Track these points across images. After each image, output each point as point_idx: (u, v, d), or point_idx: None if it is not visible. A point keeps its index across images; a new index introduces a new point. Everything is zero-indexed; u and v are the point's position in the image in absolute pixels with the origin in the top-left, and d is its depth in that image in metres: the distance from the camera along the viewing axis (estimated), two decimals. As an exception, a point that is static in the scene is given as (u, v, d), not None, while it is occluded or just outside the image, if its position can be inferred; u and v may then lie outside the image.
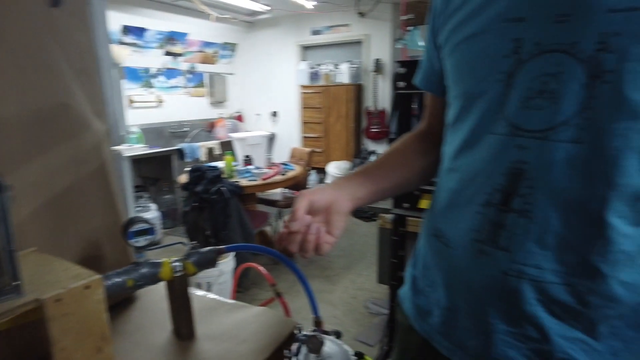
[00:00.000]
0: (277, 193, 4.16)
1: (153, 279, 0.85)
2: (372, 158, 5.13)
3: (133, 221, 0.83)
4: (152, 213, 3.89)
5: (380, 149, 5.33)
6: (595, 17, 0.45)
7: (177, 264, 0.87)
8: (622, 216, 0.47)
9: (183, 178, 2.97)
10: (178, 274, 0.87)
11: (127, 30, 4.49)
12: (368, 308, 2.83)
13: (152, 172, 4.69)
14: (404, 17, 2.12)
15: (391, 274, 2.11)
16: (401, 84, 1.78)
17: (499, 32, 0.53)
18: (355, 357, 1.33)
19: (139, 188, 4.62)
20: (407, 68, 1.80)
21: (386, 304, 2.42)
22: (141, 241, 0.84)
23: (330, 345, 1.33)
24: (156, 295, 1.04)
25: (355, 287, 3.16)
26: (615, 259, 0.48)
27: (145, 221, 0.84)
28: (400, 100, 1.87)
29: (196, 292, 1.07)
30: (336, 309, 2.84)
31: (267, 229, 3.63)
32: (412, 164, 0.80)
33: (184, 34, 5.14)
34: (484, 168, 0.57)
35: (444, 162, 0.70)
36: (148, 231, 0.84)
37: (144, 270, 0.85)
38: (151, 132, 4.90)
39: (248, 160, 3.42)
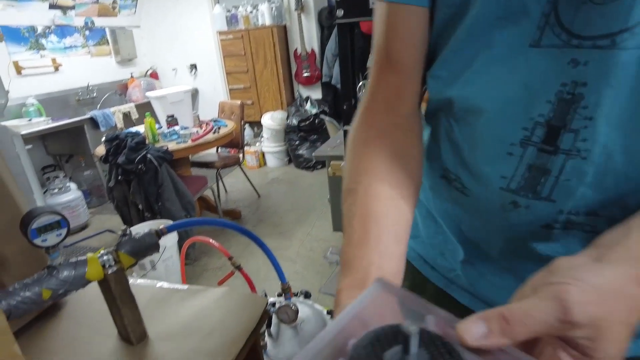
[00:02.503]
0: (211, 154, 3.88)
1: (78, 283, 0.66)
2: (307, 105, 4.91)
3: (33, 214, 0.62)
4: (72, 193, 3.46)
5: (315, 94, 5.11)
6: None
7: (106, 257, 0.69)
8: None
9: (100, 150, 2.61)
10: (112, 270, 0.68)
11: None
12: (327, 258, 2.79)
13: (64, 147, 4.15)
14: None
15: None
16: (340, 12, 1.57)
17: None
18: (329, 315, 1.25)
19: (50, 168, 4.09)
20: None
21: (344, 250, 2.37)
22: (50, 239, 0.63)
23: (302, 308, 1.23)
24: (89, 295, 0.85)
25: (311, 239, 3.09)
26: None
27: (52, 211, 0.64)
28: (341, 34, 1.65)
29: (139, 282, 0.89)
30: (296, 264, 2.77)
31: (207, 193, 3.39)
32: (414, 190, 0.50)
33: (69, -17, 4.39)
34: (519, 95, 0.43)
35: (442, 87, 0.53)
36: (59, 224, 0.64)
37: (64, 274, 0.65)
38: (53, 103, 4.27)
39: (172, 121, 3.09)
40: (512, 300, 0.30)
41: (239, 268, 1.13)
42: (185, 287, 0.86)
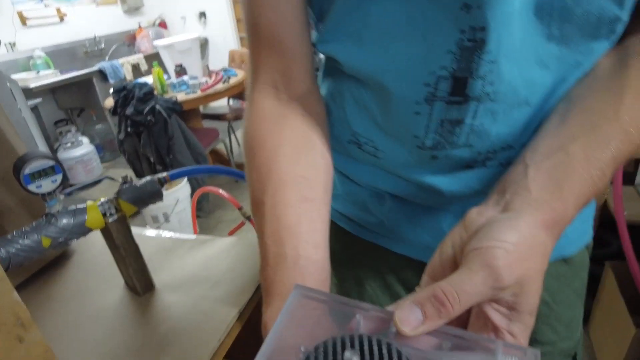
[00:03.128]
0: (222, 106, 3.80)
1: (79, 232, 0.64)
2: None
3: (25, 159, 0.58)
4: (85, 147, 3.46)
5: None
6: None
7: (107, 205, 0.65)
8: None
9: (110, 102, 2.56)
10: (112, 219, 0.65)
11: None
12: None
13: (74, 101, 4.11)
14: None
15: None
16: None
17: None
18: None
19: (63, 122, 4.08)
20: None
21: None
22: (45, 185, 0.60)
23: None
24: (95, 245, 0.83)
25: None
26: None
27: (45, 156, 0.60)
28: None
29: (147, 232, 0.87)
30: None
31: (220, 147, 3.35)
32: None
33: None
34: (419, 49, 0.39)
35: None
36: (53, 170, 0.60)
37: (63, 222, 0.62)
38: (60, 55, 4.19)
39: (180, 70, 2.99)
40: (433, 259, 0.31)
41: (249, 219, 1.11)
42: (194, 237, 0.83)
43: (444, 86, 0.40)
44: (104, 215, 0.64)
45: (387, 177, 0.50)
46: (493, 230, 0.27)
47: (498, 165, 0.44)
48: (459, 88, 0.39)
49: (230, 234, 1.40)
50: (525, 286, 0.25)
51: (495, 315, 0.26)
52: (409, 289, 0.59)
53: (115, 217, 0.65)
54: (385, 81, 0.42)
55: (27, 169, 0.58)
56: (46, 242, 0.60)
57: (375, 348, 0.23)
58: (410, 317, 0.24)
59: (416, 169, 0.47)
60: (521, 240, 0.26)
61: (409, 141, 0.44)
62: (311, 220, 0.40)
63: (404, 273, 0.59)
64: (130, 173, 2.41)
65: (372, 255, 0.59)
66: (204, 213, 2.74)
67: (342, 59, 0.45)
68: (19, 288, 0.73)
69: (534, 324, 0.27)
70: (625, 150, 0.32)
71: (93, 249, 0.82)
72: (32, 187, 0.59)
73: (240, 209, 1.07)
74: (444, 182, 0.46)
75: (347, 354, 0.21)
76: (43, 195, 0.60)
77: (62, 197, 0.64)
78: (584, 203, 0.31)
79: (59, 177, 0.61)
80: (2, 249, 0.57)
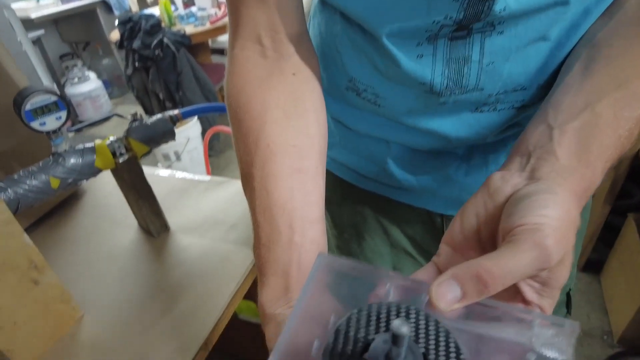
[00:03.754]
0: (230, 39, 3.63)
1: (88, 172, 0.61)
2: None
3: (25, 93, 0.54)
4: (93, 83, 3.37)
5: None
6: None
7: (116, 144, 0.62)
8: None
9: (115, 35, 2.45)
10: (123, 159, 0.62)
11: None
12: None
13: (78, 34, 3.95)
14: None
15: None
16: None
17: None
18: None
19: (68, 56, 3.96)
20: None
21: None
22: (50, 122, 0.56)
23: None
24: (106, 185, 0.81)
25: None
26: None
27: (48, 90, 0.55)
28: None
29: (160, 172, 0.84)
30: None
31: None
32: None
33: None
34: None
35: None
36: (56, 106, 0.56)
37: (70, 162, 0.59)
38: (61, -17, 3.98)
39: (189, 1, 2.83)
40: (453, 228, 0.28)
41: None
42: (208, 178, 0.80)
43: (448, 25, 0.35)
44: (114, 155, 0.61)
45: (388, 124, 0.46)
46: (535, 205, 0.24)
47: (510, 109, 0.40)
48: (463, 26, 0.35)
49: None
50: (562, 263, 0.24)
51: (528, 290, 0.25)
52: (411, 239, 0.57)
53: (126, 157, 0.61)
54: (387, 24, 0.37)
55: (29, 105, 0.54)
56: (55, 183, 0.58)
57: (415, 317, 0.22)
58: (448, 294, 0.22)
59: (421, 115, 0.43)
60: (563, 215, 0.23)
61: (415, 87, 0.40)
62: (305, 193, 0.36)
63: (406, 223, 0.56)
64: (139, 110, 2.36)
65: (372, 205, 0.56)
66: (215, 152, 2.71)
67: (341, 4, 0.40)
68: (31, 229, 0.72)
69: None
70: None
71: (104, 189, 0.80)
72: (35, 125, 0.55)
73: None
74: (451, 128, 0.42)
75: (397, 322, 0.19)
76: (48, 133, 0.57)
77: (70, 134, 0.60)
78: (610, 166, 0.28)
79: (63, 114, 0.57)
80: (9, 190, 0.55)
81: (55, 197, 0.75)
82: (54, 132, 0.57)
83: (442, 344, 0.21)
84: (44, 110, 0.55)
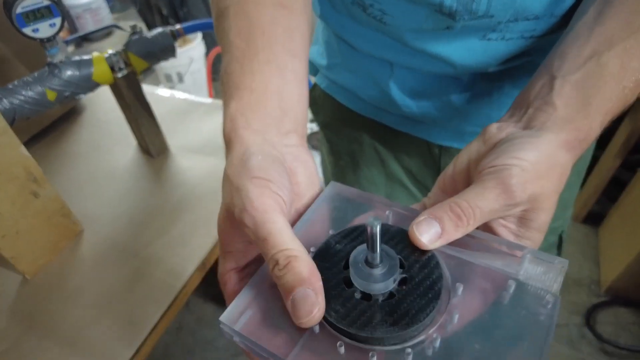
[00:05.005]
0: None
1: (85, 86, 0.58)
2: None
3: (15, -6, 0.50)
4: (94, -6, 3.20)
5: None
6: None
7: (115, 58, 0.58)
8: None
9: (117, -60, 2.27)
10: (122, 73, 0.59)
11: None
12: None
13: (79, -63, 3.69)
14: None
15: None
16: None
17: None
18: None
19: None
20: None
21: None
22: (43, 29, 0.52)
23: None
24: (106, 102, 0.78)
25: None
26: None
27: (38, -7, 0.51)
28: None
29: (160, 92, 0.81)
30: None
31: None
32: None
33: None
34: None
35: None
36: (49, 11, 0.52)
37: (67, 73, 0.56)
38: None
39: None
40: (446, 171, 0.29)
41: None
42: (209, 100, 0.78)
43: None
44: (112, 69, 0.58)
45: (392, 45, 0.44)
46: (512, 148, 0.25)
47: (519, 39, 0.38)
48: None
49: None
50: (537, 203, 0.24)
51: (504, 231, 0.26)
52: (407, 170, 0.57)
53: (125, 72, 0.59)
54: None
55: (19, 8, 0.50)
56: (51, 95, 0.55)
57: (403, 236, 0.24)
58: (429, 230, 0.23)
59: (428, 38, 0.40)
60: (540, 158, 0.24)
61: (424, 5, 0.37)
62: (289, 27, 0.31)
63: (403, 153, 0.55)
64: (141, 24, 2.25)
65: (370, 133, 0.55)
66: (219, 76, 2.64)
67: None
68: (30, 144, 0.71)
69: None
70: None
71: (104, 106, 0.78)
72: (27, 31, 0.52)
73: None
74: (457, 54, 0.40)
75: (371, 218, 0.20)
76: (42, 41, 0.53)
77: (69, 49, 0.57)
78: (612, 118, 0.28)
79: (57, 21, 0.53)
80: (5, 100, 0.53)
81: (54, 111, 0.73)
82: (49, 40, 0.54)
83: (424, 259, 0.23)
84: (37, 15, 0.52)
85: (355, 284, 0.22)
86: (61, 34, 0.55)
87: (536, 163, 0.23)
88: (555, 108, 0.27)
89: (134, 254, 0.54)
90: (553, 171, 0.24)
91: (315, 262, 0.22)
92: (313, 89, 0.60)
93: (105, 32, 1.27)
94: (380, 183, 0.58)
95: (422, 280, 0.22)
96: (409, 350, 0.20)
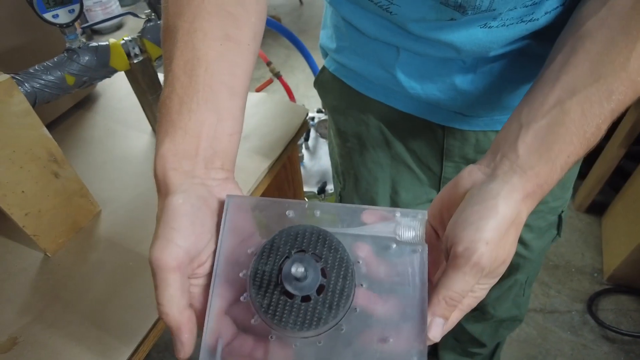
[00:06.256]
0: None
1: (103, 71, 0.60)
2: None
3: (37, -19, 0.52)
4: (101, -13, 3.22)
5: None
6: None
7: (131, 44, 0.60)
8: None
9: None
10: (137, 59, 0.61)
11: None
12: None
13: None
14: None
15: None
16: None
17: None
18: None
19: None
20: None
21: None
22: (62, 15, 0.54)
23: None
24: (121, 89, 0.80)
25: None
26: None
27: (58, -21, 0.53)
28: None
29: (172, 81, 0.83)
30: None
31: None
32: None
33: None
34: None
35: None
36: (69, -3, 0.54)
37: (85, 59, 0.58)
38: None
39: None
40: (431, 210, 0.32)
41: (278, 75, 1.05)
42: (220, 89, 0.79)
43: None
44: (128, 55, 0.60)
45: (398, 31, 0.45)
46: (475, 217, 0.27)
47: (519, 23, 0.40)
48: None
49: (258, 90, 1.35)
50: (501, 262, 0.28)
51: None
52: (411, 151, 0.59)
53: (140, 58, 0.60)
54: None
55: (40, -8, 0.52)
56: (70, 80, 0.57)
57: (310, 234, 0.28)
58: (439, 329, 0.28)
59: (431, 28, 0.42)
60: (500, 223, 0.27)
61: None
62: (233, 63, 0.32)
63: (409, 134, 0.57)
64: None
65: (377, 114, 0.57)
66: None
67: None
68: (48, 128, 0.73)
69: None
70: (627, 100, 0.30)
71: (118, 93, 0.80)
72: (47, 16, 0.53)
73: (268, 64, 1.01)
74: (460, 42, 0.42)
75: (293, 267, 0.25)
76: (61, 26, 0.55)
77: (84, 38, 0.59)
78: (574, 161, 0.30)
79: (76, 7, 0.55)
80: (26, 84, 0.55)
81: (69, 98, 0.75)
82: (67, 25, 0.55)
83: (333, 250, 0.28)
84: (57, 1, 0.54)
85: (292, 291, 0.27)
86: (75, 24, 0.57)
87: (497, 230, 0.26)
88: (518, 155, 0.29)
89: (149, 233, 0.56)
90: (512, 228, 0.28)
91: (254, 285, 0.27)
92: (321, 72, 0.62)
93: (116, 25, 1.29)
94: (385, 164, 0.60)
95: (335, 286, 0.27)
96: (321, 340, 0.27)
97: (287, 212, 0.30)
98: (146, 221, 0.58)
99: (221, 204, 0.30)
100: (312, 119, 1.23)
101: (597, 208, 1.46)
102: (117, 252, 0.55)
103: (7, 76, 0.45)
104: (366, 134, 0.59)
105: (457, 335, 0.91)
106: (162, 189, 0.30)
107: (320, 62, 0.69)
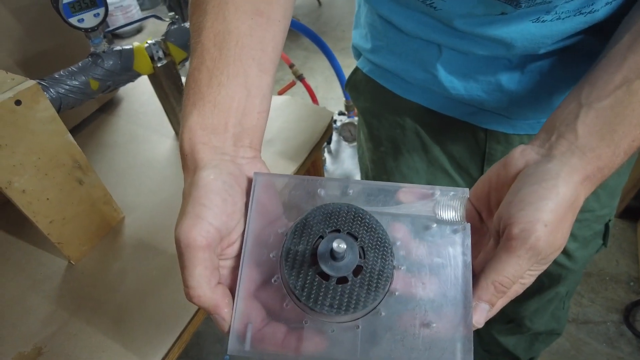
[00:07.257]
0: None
1: (127, 75, 0.59)
2: None
3: (62, -15, 0.51)
4: (123, -8, 3.27)
5: None
6: None
7: (154, 48, 0.59)
8: None
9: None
10: (161, 63, 0.60)
11: None
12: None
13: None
14: None
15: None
16: None
17: None
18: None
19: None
20: None
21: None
22: (88, 19, 0.54)
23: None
24: (143, 94, 0.80)
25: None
26: None
27: (84, -16, 0.52)
28: None
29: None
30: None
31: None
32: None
33: None
34: None
35: None
36: (94, 2, 0.53)
37: (109, 63, 0.58)
38: None
39: None
40: (475, 190, 0.30)
41: (300, 78, 1.03)
42: (244, 92, 0.78)
43: None
44: (152, 58, 0.59)
45: (442, 28, 0.43)
46: (533, 197, 0.25)
47: (576, 15, 0.37)
48: None
49: (281, 93, 1.33)
50: (557, 248, 0.26)
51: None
52: (449, 156, 0.56)
53: (164, 62, 0.59)
54: None
55: (66, -3, 0.51)
56: (94, 85, 0.57)
57: (347, 212, 0.27)
58: (484, 315, 0.26)
59: (478, 23, 0.39)
60: (559, 204, 0.25)
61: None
62: (264, 39, 0.32)
63: (447, 138, 0.54)
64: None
65: (414, 117, 0.54)
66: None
67: None
68: (71, 133, 0.73)
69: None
70: None
71: (140, 98, 0.79)
72: (73, 21, 0.53)
73: (291, 66, 0.99)
74: (510, 36, 0.39)
75: (335, 244, 0.23)
76: (86, 31, 0.55)
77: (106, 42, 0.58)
78: (638, 147, 0.28)
79: (101, 11, 0.54)
80: (51, 90, 0.54)
81: (92, 104, 0.75)
82: (93, 30, 0.55)
83: (370, 229, 0.26)
84: (82, 5, 0.53)
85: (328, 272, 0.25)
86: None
87: (556, 212, 0.25)
88: (577, 136, 0.27)
89: (172, 241, 0.54)
90: (570, 212, 0.26)
91: (286, 264, 0.25)
92: (354, 74, 0.59)
93: (136, 28, 1.29)
94: (421, 169, 0.57)
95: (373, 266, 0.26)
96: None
97: (318, 190, 0.28)
98: (171, 227, 0.56)
99: (250, 184, 0.28)
100: (335, 121, 1.21)
101: (633, 213, 1.40)
102: (141, 259, 0.53)
103: (33, 82, 0.44)
104: (401, 138, 0.57)
105: (489, 347, 0.87)
106: (190, 164, 0.28)
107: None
